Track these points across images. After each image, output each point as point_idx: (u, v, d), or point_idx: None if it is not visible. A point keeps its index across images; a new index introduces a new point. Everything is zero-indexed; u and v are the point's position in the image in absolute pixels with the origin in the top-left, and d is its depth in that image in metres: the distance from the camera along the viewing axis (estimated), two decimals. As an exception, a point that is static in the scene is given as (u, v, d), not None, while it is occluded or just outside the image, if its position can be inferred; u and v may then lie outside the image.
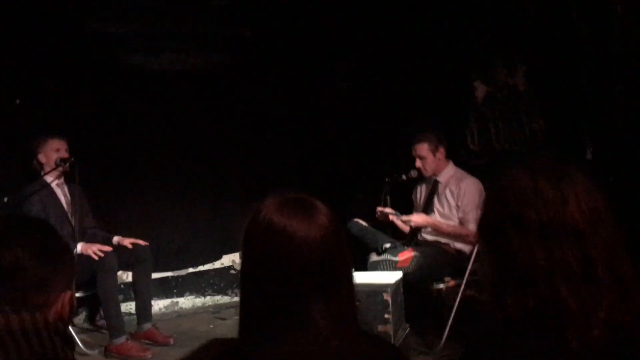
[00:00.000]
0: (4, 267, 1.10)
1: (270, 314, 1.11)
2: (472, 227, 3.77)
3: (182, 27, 4.40)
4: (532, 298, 1.09)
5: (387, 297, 3.10)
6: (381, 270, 3.59)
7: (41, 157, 4.08)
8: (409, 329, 3.46)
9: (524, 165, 1.20)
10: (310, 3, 4.07)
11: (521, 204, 1.13)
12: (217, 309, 5.13)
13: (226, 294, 5.39)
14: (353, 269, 1.21)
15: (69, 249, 1.24)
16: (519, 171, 1.19)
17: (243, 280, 1.19)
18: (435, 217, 4.00)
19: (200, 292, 5.31)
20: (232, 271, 5.42)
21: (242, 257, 1.20)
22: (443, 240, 3.92)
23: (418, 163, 4.05)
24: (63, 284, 1.19)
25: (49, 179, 4.10)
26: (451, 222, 3.92)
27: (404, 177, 4.15)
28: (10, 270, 1.11)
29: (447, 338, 3.45)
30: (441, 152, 4.03)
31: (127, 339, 3.88)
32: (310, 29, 4.60)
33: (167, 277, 5.16)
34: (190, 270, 5.27)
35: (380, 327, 3.07)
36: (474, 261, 3.56)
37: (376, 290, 3.13)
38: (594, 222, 1.11)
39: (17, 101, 4.55)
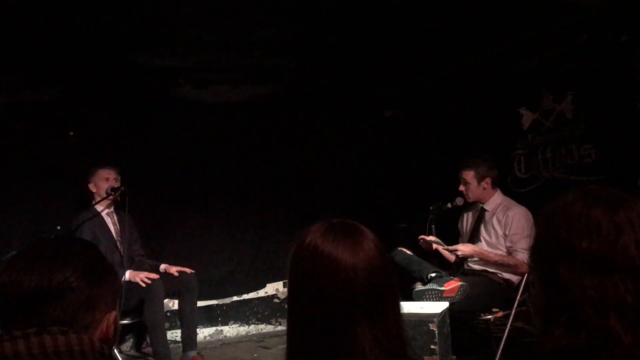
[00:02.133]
0: (54, 287, 1.12)
1: (317, 340, 1.11)
2: (520, 256, 3.68)
3: (229, 60, 4.50)
4: (583, 330, 1.03)
5: (433, 327, 3.02)
6: (427, 300, 3.52)
7: (92, 187, 4.21)
8: (455, 360, 3.37)
9: (577, 192, 1.15)
10: (354, 33, 4.11)
11: (572, 232, 1.09)
12: (261, 337, 5.13)
13: (270, 323, 5.39)
14: (400, 297, 1.20)
15: (113, 269, 1.27)
16: (572, 197, 1.14)
17: (290, 305, 1.19)
18: (482, 246, 3.92)
19: (244, 320, 5.33)
20: (276, 300, 5.43)
21: (289, 282, 1.20)
22: (491, 269, 3.82)
23: (462, 187, 4.01)
24: (108, 304, 1.21)
25: (99, 207, 4.21)
26: (498, 252, 3.83)
27: (449, 205, 4.10)
28: (59, 290, 1.13)
29: (495, 371, 3.35)
30: (487, 182, 3.96)
31: (173, 367, 3.92)
32: (354, 59, 4.65)
33: (212, 306, 5.20)
34: (235, 298, 5.31)
35: (426, 358, 3.00)
36: (523, 291, 3.46)
37: (422, 320, 3.05)
38: None
39: (71, 133, 4.75)
